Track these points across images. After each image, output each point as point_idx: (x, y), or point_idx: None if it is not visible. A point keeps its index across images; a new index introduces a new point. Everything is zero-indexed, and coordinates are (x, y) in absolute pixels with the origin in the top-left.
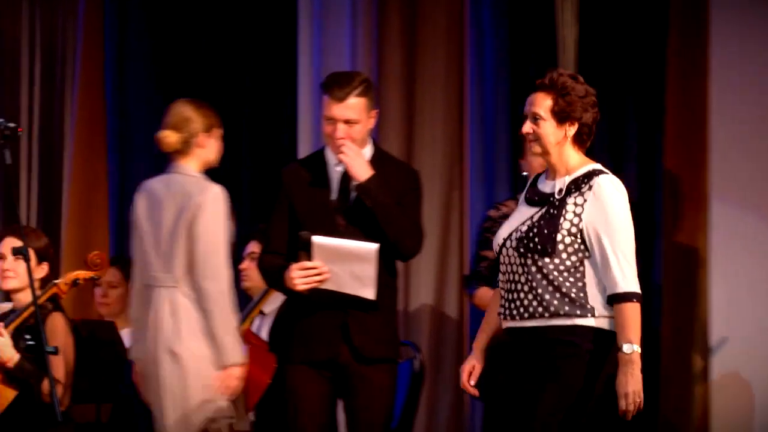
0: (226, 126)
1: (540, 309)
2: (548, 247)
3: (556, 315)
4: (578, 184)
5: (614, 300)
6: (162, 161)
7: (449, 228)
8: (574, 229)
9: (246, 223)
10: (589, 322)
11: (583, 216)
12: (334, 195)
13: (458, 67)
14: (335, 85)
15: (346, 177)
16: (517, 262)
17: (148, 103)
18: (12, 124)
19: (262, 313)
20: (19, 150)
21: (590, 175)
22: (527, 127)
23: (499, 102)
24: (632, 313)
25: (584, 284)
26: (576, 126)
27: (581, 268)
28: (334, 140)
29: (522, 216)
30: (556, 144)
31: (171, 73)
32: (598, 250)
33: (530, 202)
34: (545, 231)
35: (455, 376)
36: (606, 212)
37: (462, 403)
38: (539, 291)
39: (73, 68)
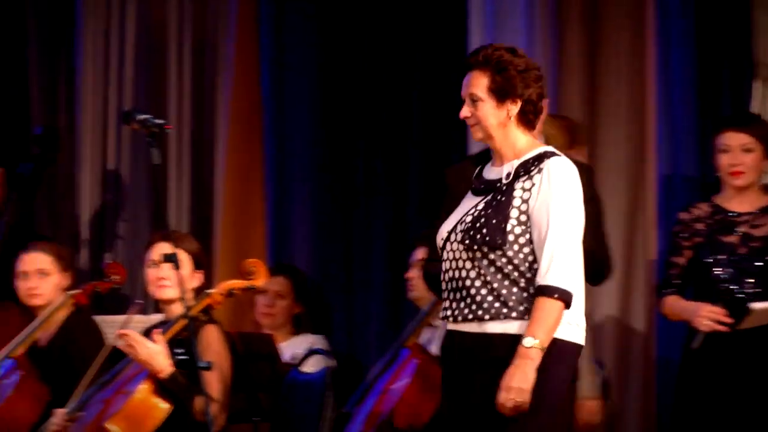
0: (392, 124)
1: (497, 305)
2: (497, 239)
3: (512, 313)
4: (527, 168)
5: (538, 291)
6: (321, 159)
7: (634, 232)
8: (523, 217)
9: (414, 228)
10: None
11: (530, 201)
12: None
13: (642, 58)
14: None
15: None
16: (465, 257)
17: (308, 97)
18: (160, 121)
19: (431, 325)
20: (168, 149)
21: (541, 158)
22: (465, 111)
23: (687, 94)
24: (548, 309)
25: None
26: (519, 104)
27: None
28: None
29: (466, 206)
30: (499, 126)
31: (333, 66)
32: (539, 235)
33: (476, 192)
34: (493, 221)
35: (643, 395)
36: (553, 197)
37: (652, 425)
38: (495, 286)
39: (225, 60)
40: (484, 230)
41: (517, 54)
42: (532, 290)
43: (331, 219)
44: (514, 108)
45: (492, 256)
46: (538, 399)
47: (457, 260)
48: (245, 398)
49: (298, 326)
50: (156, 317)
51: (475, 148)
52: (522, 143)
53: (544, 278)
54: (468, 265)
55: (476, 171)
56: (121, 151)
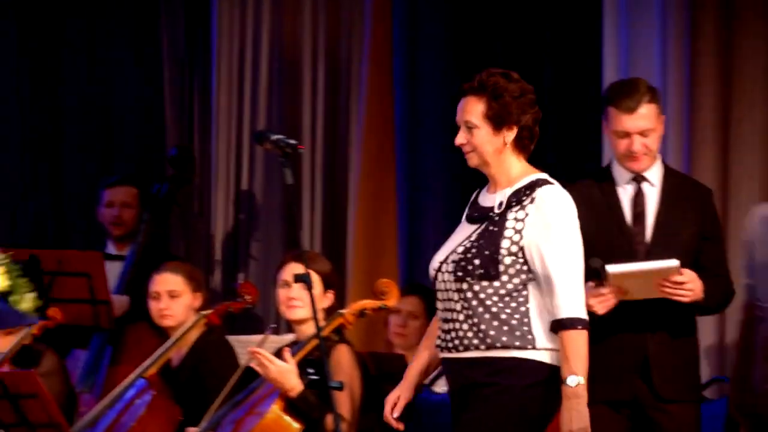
0: None
1: (476, 341)
2: (490, 270)
3: (492, 347)
4: (519, 197)
5: (557, 327)
6: (454, 180)
7: None
8: (514, 248)
9: None
10: (528, 354)
11: (524, 232)
12: (628, 217)
13: None
14: (623, 95)
15: (640, 197)
16: (453, 287)
17: (441, 118)
18: (293, 141)
19: None
20: (301, 168)
21: (532, 186)
22: (460, 137)
23: None
24: (577, 341)
25: (527, 310)
26: (515, 130)
27: (524, 293)
28: (632, 155)
29: (460, 236)
30: (495, 153)
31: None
32: (541, 270)
33: (470, 220)
34: (486, 252)
35: None
36: (549, 227)
37: None
38: (476, 320)
39: (358, 82)
40: (476, 261)
41: (512, 79)
42: (514, 322)
43: None
44: (510, 134)
45: (477, 288)
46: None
47: (447, 291)
48: (376, 418)
49: None
50: (288, 337)
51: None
52: (516, 170)
53: (560, 312)
54: (455, 296)
55: (473, 197)
56: (254, 172)
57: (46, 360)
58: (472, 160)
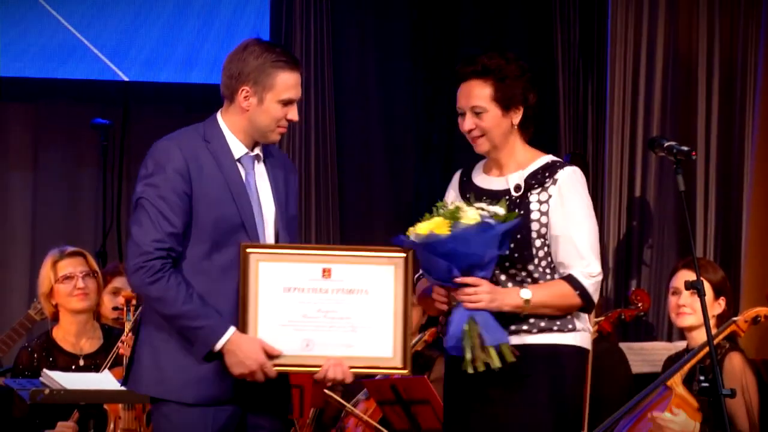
0: None
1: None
2: (525, 253)
3: (535, 329)
4: (539, 179)
5: (563, 277)
6: None
7: None
8: (543, 230)
9: None
10: (569, 338)
11: (549, 214)
12: None
13: None
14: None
15: None
16: (500, 270)
17: None
18: (685, 148)
19: None
20: (694, 175)
21: (552, 168)
22: (469, 123)
23: None
24: (563, 294)
25: None
26: (521, 111)
27: (554, 276)
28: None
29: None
30: (504, 135)
31: None
32: (564, 247)
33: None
34: (518, 236)
35: None
36: (573, 208)
37: None
38: None
39: (753, 85)
40: (511, 245)
41: (511, 60)
42: None
43: None
44: (517, 116)
45: (513, 271)
46: (553, 401)
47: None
48: None
49: None
50: (680, 344)
51: None
52: (521, 151)
53: (574, 271)
54: (503, 278)
55: (459, 181)
56: (647, 179)
57: (438, 366)
58: (482, 146)
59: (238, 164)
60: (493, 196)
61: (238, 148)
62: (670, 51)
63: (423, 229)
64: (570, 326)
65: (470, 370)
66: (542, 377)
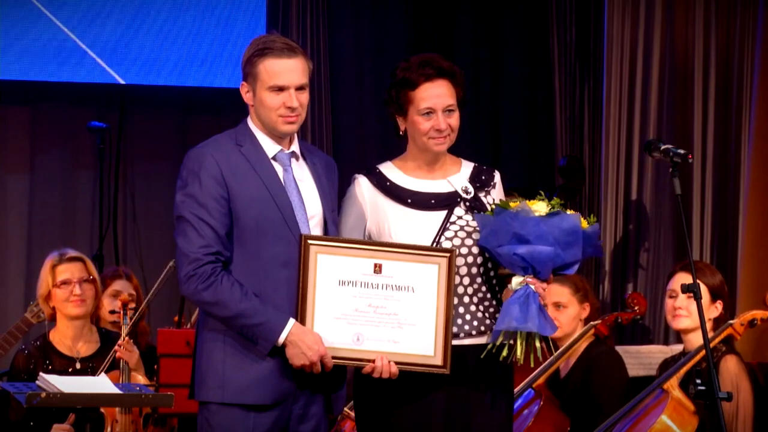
0: None
1: (487, 322)
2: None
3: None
4: (483, 181)
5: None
6: None
7: None
8: None
9: None
10: None
11: None
12: None
13: None
14: None
15: None
16: (465, 272)
17: None
18: (682, 151)
19: None
20: (691, 178)
21: (485, 171)
22: (443, 122)
23: None
24: None
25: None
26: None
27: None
28: None
29: (430, 222)
30: None
31: None
32: None
33: (424, 206)
34: None
35: None
36: None
37: None
38: (486, 304)
39: (750, 89)
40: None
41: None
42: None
43: None
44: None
45: (484, 270)
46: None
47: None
48: None
49: None
50: (677, 347)
51: None
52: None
53: None
54: (466, 281)
55: (381, 186)
56: (643, 182)
57: None
58: (443, 146)
59: (274, 162)
60: (448, 198)
61: (270, 146)
62: (667, 53)
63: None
64: None
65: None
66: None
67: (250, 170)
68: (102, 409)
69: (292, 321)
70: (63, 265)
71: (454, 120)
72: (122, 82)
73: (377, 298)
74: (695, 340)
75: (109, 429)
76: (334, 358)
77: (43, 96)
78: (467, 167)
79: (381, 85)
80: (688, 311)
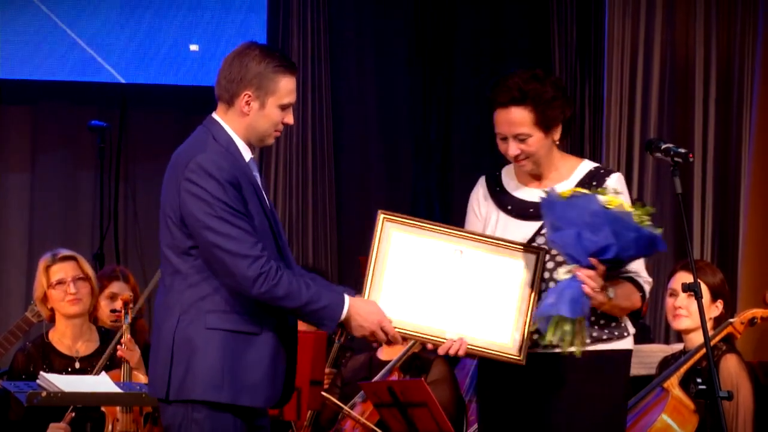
0: None
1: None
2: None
3: (598, 340)
4: (591, 186)
5: (629, 281)
6: None
7: None
8: None
9: None
10: (624, 344)
11: None
12: None
13: None
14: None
15: None
16: (548, 276)
17: None
18: (683, 150)
19: None
20: (691, 177)
21: (597, 176)
22: (514, 149)
23: None
24: (632, 298)
25: None
26: (560, 127)
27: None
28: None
29: (523, 230)
30: (547, 153)
31: None
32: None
33: (523, 217)
34: None
35: None
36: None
37: None
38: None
39: (750, 89)
40: None
41: (543, 77)
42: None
43: None
44: (558, 132)
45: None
46: (602, 402)
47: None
48: None
49: None
50: (677, 347)
51: None
52: (561, 161)
53: (633, 274)
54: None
55: (491, 192)
56: (644, 180)
57: (435, 368)
58: (527, 167)
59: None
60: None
61: (246, 152)
62: (667, 53)
63: (614, 201)
64: (626, 333)
65: (553, 341)
66: (613, 380)
67: (245, 177)
68: (103, 408)
69: (347, 298)
70: (56, 265)
71: (527, 145)
72: (123, 81)
73: (456, 281)
74: (696, 338)
75: (109, 428)
76: (404, 330)
77: (43, 95)
78: (581, 172)
79: (381, 83)
80: (688, 311)
